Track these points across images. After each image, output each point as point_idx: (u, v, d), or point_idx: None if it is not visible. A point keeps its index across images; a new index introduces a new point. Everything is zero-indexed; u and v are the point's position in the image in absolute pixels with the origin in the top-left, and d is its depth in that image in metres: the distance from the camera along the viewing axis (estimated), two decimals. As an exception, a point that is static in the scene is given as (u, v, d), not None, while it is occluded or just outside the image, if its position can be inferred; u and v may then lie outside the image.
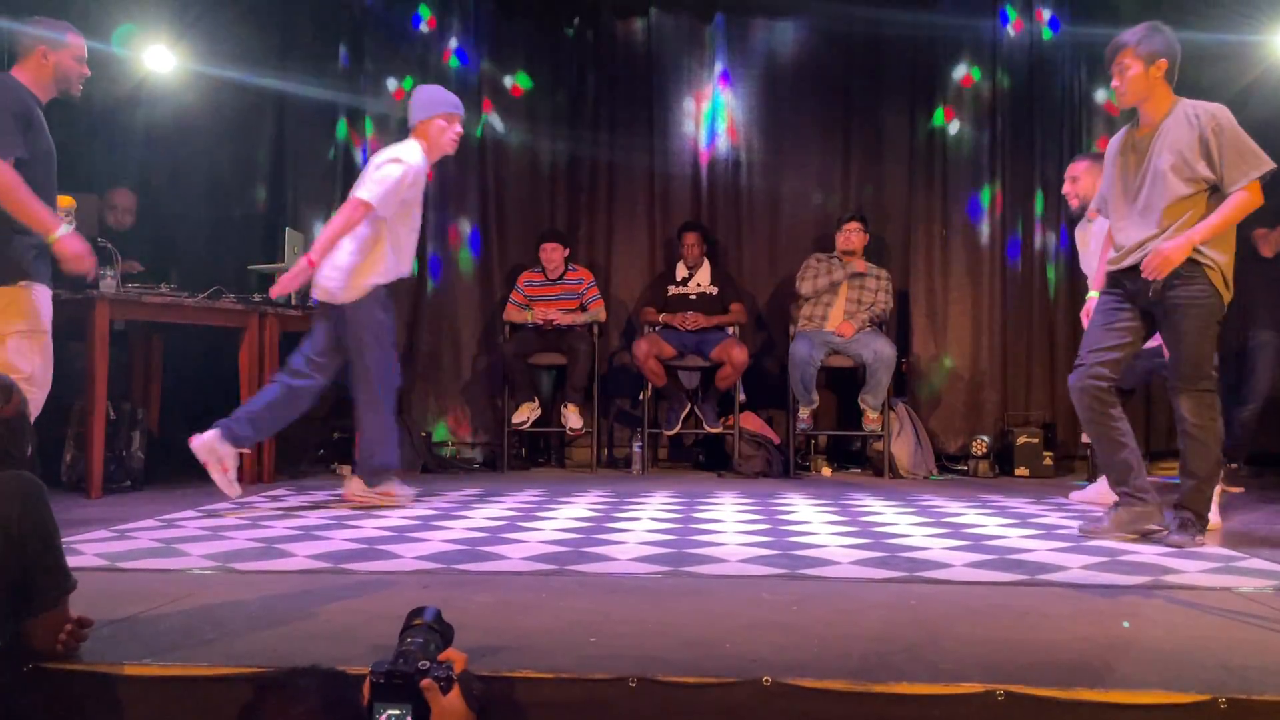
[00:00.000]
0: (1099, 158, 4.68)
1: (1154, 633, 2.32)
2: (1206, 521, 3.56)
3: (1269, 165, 3.38)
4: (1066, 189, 4.82)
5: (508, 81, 6.70)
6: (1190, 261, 3.40)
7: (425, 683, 1.59)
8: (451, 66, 6.65)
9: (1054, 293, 6.51)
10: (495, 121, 6.68)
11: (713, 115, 6.70)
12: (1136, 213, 3.54)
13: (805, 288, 6.11)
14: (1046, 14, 6.50)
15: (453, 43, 6.65)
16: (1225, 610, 2.52)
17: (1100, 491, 4.80)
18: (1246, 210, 3.39)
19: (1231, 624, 2.40)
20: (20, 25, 3.73)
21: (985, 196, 6.51)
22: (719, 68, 6.68)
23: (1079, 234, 4.97)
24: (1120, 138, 3.67)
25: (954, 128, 6.55)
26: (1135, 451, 3.63)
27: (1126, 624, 2.52)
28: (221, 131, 6.31)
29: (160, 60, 5.81)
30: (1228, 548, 3.44)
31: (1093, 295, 4.89)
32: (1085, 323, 4.90)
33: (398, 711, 1.59)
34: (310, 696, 1.44)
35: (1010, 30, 6.51)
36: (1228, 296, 3.48)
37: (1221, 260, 3.42)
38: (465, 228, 6.67)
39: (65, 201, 4.68)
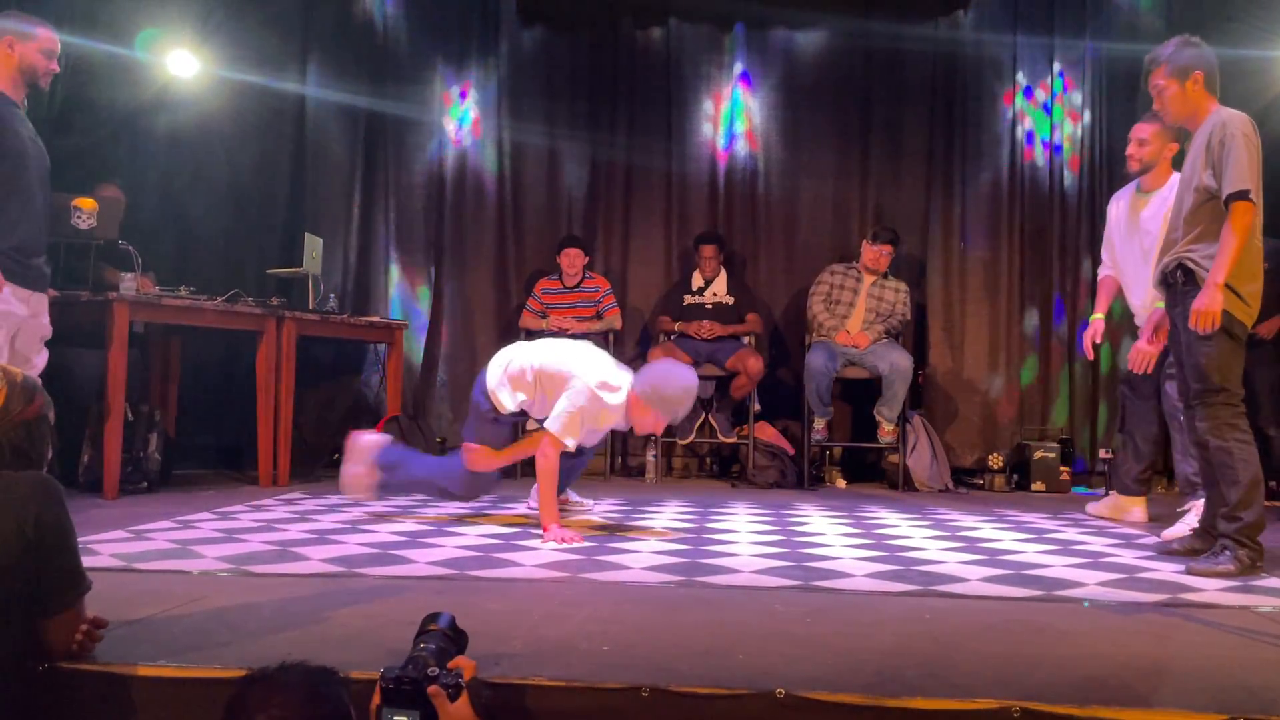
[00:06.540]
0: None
1: (1172, 651, 2.30)
2: (1254, 550, 3.22)
3: (1247, 187, 3.18)
4: (1131, 150, 4.40)
5: (526, 89, 6.73)
6: (1189, 272, 3.31)
7: (433, 689, 1.60)
8: (472, 73, 6.68)
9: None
10: (513, 129, 6.70)
11: (731, 117, 6.70)
12: (1179, 226, 3.42)
13: (818, 307, 6.08)
14: (1065, 32, 6.47)
15: (473, 49, 6.68)
16: (1244, 629, 2.50)
17: (1113, 504, 4.75)
18: (1245, 227, 3.18)
19: (1250, 643, 2.37)
20: None
21: (1004, 209, 6.49)
22: (738, 69, 6.69)
23: (1119, 206, 4.50)
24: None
25: (973, 140, 6.53)
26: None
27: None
28: (243, 136, 6.34)
29: (183, 65, 5.85)
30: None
31: (1096, 318, 4.55)
32: (1087, 347, 4.53)
33: (405, 717, 1.60)
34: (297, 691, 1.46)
35: (1029, 44, 6.49)
36: (1243, 310, 3.27)
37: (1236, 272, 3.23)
38: (483, 235, 6.69)
39: (88, 204, 4.72)
